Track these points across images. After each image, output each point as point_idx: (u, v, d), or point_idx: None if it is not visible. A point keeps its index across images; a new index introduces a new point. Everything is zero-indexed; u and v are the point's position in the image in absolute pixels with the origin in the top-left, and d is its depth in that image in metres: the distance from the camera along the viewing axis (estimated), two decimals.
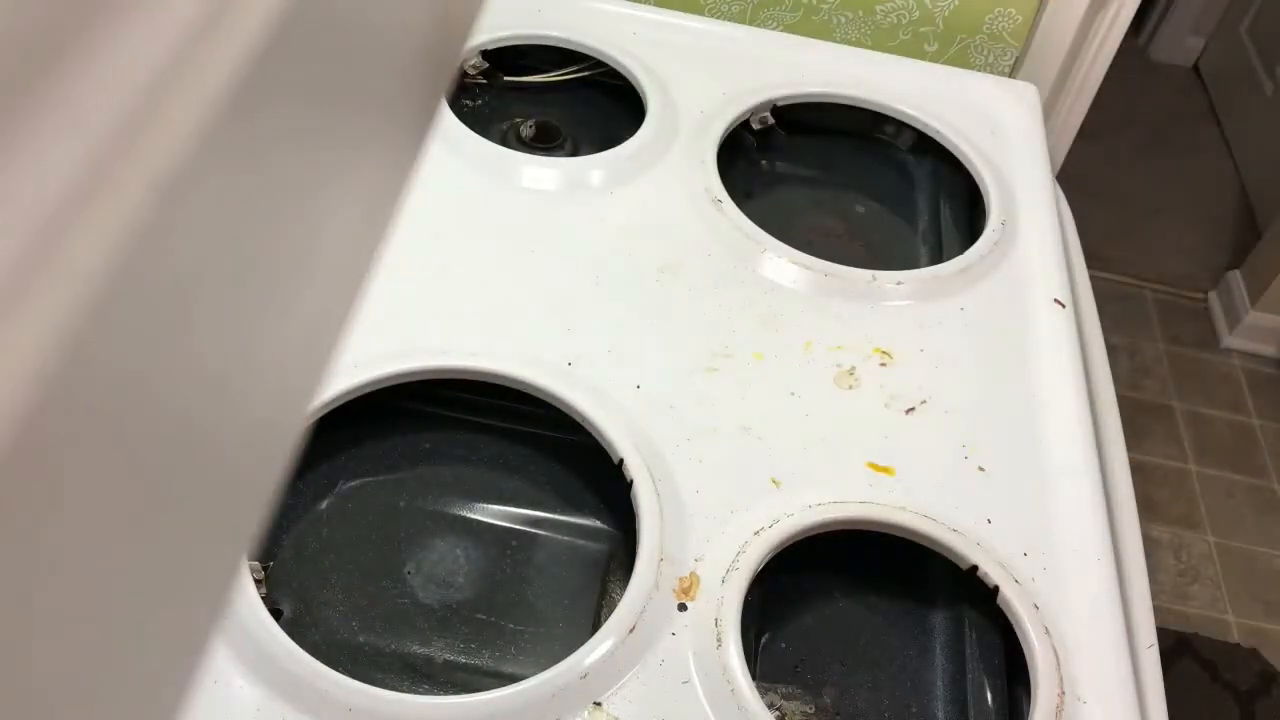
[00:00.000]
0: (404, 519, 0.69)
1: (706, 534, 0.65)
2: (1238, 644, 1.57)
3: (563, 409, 0.69)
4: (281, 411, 0.19)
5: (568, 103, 0.98)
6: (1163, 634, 0.71)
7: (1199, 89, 2.57)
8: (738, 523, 0.65)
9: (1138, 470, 0.79)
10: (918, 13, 1.12)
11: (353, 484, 0.70)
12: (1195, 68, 2.62)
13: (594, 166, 0.88)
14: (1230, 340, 1.99)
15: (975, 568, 0.65)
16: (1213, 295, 2.06)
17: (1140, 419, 1.84)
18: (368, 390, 0.68)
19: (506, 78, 0.99)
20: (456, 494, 0.71)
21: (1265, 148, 2.26)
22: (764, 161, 0.99)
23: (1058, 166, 1.16)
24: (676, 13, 1.04)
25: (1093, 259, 0.97)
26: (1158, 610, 0.70)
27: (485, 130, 0.90)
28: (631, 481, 0.66)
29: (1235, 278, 2.01)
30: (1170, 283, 2.10)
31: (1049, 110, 1.15)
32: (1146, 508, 1.11)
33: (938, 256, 0.90)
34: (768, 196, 0.96)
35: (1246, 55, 2.38)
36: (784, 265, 0.82)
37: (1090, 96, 1.18)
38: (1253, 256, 1.99)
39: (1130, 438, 0.81)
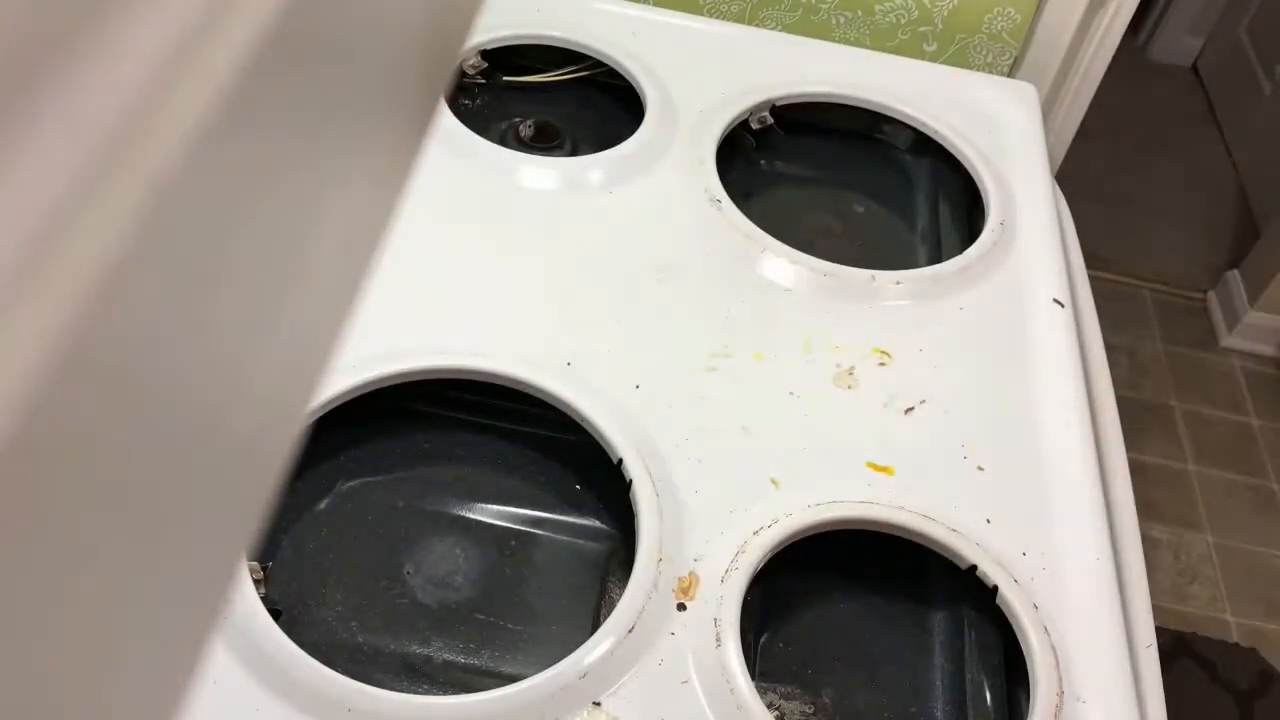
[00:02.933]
0: (404, 519, 0.69)
1: (706, 534, 0.65)
2: (1237, 644, 1.57)
3: (562, 409, 0.69)
4: (281, 411, 0.19)
5: (567, 103, 0.98)
6: (1162, 634, 0.71)
7: (1198, 89, 2.57)
8: (737, 522, 0.65)
9: (1137, 470, 0.79)
10: (917, 12, 1.12)
11: (352, 484, 0.70)
12: (1194, 68, 2.62)
13: (593, 166, 0.88)
14: (1229, 340, 1.99)
15: (974, 567, 0.65)
16: (1211, 295, 2.06)
17: (1139, 419, 1.84)
18: (368, 390, 0.68)
19: (506, 78, 0.99)
20: (456, 494, 0.71)
21: (1264, 148, 2.26)
22: (763, 161, 0.99)
23: (1057, 166, 1.16)
24: (676, 13, 1.04)
25: (1092, 259, 0.97)
26: (1157, 610, 0.70)
27: (484, 130, 0.90)
28: (630, 481, 0.66)
29: (1234, 277, 2.00)
30: (1169, 282, 2.10)
31: (1048, 110, 1.15)
32: (1146, 508, 1.11)
33: (937, 256, 0.90)
34: (767, 196, 0.96)
35: (1245, 55, 2.38)
36: (783, 265, 0.82)
37: (1089, 96, 1.18)
38: (1251, 256, 1.98)
39: (1129, 438, 0.81)
